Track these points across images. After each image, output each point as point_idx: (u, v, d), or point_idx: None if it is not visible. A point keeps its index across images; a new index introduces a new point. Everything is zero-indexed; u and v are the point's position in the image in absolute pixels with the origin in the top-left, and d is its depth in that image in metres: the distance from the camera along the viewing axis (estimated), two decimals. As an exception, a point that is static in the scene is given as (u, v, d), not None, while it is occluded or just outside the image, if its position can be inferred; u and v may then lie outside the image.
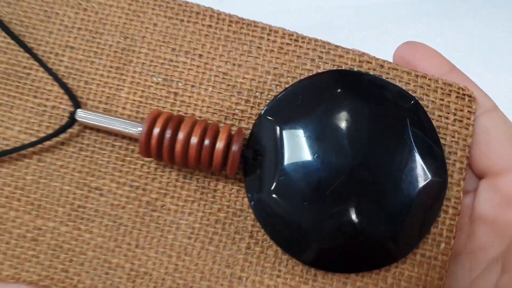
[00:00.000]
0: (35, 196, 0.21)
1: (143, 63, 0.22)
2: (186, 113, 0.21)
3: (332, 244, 0.19)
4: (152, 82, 0.21)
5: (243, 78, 0.21)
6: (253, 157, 0.19)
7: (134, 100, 0.21)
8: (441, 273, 0.19)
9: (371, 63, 0.21)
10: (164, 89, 0.21)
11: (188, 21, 0.22)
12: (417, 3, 0.44)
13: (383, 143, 0.19)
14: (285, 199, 0.19)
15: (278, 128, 0.19)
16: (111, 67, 0.22)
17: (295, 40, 0.21)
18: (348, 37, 0.43)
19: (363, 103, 0.19)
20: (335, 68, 0.21)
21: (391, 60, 0.22)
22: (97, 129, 0.21)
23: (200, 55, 0.21)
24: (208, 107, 0.21)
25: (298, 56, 0.21)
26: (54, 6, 0.23)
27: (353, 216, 0.18)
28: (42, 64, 0.21)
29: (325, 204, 0.18)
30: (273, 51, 0.21)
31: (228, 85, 0.21)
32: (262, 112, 0.20)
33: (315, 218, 0.19)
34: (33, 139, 0.21)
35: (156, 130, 0.19)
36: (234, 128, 0.21)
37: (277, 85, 0.21)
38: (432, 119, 0.20)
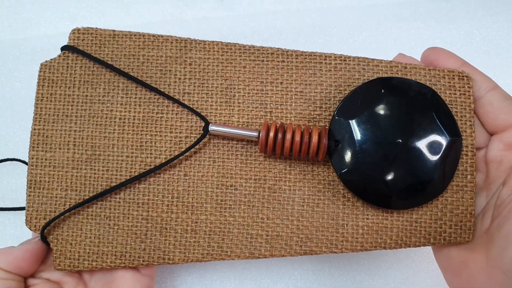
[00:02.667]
0: (187, 200, 0.30)
1: (243, 95, 0.31)
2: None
3: (399, 191, 0.29)
4: (252, 107, 0.31)
5: (314, 92, 0.31)
6: (335, 145, 0.29)
7: (243, 121, 0.31)
8: (471, 194, 0.30)
9: (398, 67, 0.31)
10: (261, 110, 0.31)
11: (267, 60, 0.31)
12: (416, 4, 0.45)
13: (417, 121, 0.29)
14: (362, 168, 0.29)
15: (349, 122, 0.29)
16: (221, 102, 0.31)
17: (344, 60, 0.31)
18: (348, 38, 0.44)
19: (400, 97, 0.29)
20: (374, 75, 0.30)
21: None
22: (223, 138, 0.30)
23: (281, 83, 0.31)
24: (295, 116, 0.31)
25: (348, 71, 0.31)
26: (166, 65, 0.32)
27: (411, 171, 0.28)
28: (177, 101, 0.31)
29: (391, 166, 0.28)
30: (330, 70, 0.31)
31: (305, 99, 0.31)
32: (334, 114, 0.30)
33: (386, 177, 0.28)
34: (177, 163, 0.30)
35: (271, 134, 0.28)
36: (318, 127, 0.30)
37: (338, 92, 0.31)
38: (445, 96, 0.30)
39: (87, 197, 0.31)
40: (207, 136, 0.30)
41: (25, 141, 0.40)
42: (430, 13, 0.44)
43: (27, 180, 0.31)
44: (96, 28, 0.33)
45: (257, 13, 0.45)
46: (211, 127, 0.30)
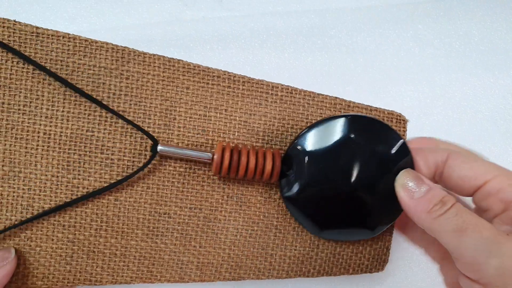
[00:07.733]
0: (117, 226, 0.29)
1: (184, 119, 0.29)
2: (221, 153, 0.30)
3: (333, 227, 0.30)
4: (193, 133, 0.29)
5: (257, 123, 0.30)
6: (287, 170, 0.29)
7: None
8: (390, 231, 0.32)
9: (341, 104, 0.31)
10: (203, 138, 0.30)
11: (212, 84, 0.29)
12: (415, 5, 0.45)
13: (372, 171, 0.29)
14: (304, 200, 0.29)
15: (306, 153, 0.29)
16: (159, 124, 0.29)
17: (290, 92, 0.30)
18: (346, 39, 0.44)
19: (364, 142, 0.29)
20: (318, 111, 0.30)
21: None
22: (158, 163, 0.29)
23: (225, 110, 0.30)
24: (236, 146, 0.30)
25: (293, 104, 0.30)
26: (99, 77, 0.29)
27: (350, 217, 0.30)
28: (120, 116, 0.28)
29: (334, 210, 0.29)
30: (275, 102, 0.30)
31: (248, 129, 0.30)
32: (295, 141, 0.29)
33: (325, 215, 0.30)
34: (105, 185, 0.29)
35: (227, 156, 0.27)
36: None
37: (281, 126, 0.30)
38: None
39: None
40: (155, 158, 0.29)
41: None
42: (428, 14, 0.45)
43: None
44: (15, 20, 0.28)
45: (256, 13, 0.45)
46: (160, 147, 0.28)
